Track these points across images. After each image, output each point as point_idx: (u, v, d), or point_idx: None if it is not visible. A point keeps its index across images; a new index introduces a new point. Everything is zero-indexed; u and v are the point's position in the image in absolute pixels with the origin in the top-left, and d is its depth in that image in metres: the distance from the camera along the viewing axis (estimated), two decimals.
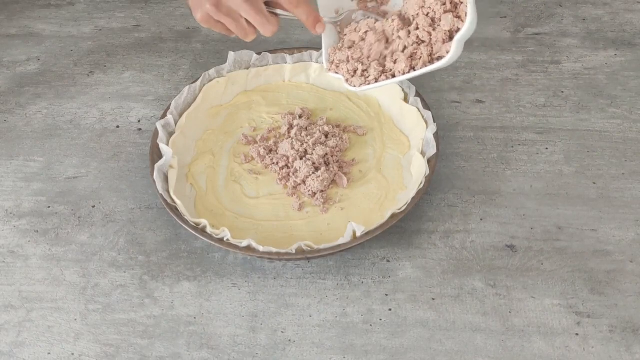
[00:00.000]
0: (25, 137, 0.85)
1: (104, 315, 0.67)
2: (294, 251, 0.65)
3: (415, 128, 0.78)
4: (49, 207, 0.77)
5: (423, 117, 0.77)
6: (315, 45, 0.86)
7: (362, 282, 0.68)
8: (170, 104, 0.79)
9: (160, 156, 0.74)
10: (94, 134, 0.85)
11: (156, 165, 0.72)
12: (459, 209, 0.74)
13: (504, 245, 0.70)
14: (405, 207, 0.68)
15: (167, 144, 0.75)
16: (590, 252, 0.69)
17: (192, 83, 0.82)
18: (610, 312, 0.65)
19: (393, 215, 0.68)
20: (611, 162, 0.78)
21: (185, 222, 0.68)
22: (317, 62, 0.86)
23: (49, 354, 0.64)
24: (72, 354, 0.64)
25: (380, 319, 0.65)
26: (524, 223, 0.72)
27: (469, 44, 0.93)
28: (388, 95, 0.82)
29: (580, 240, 0.70)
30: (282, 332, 0.65)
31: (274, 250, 0.65)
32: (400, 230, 0.72)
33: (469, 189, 0.76)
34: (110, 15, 1.04)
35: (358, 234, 0.66)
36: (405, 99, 0.80)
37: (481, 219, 0.73)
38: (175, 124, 0.79)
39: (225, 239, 0.67)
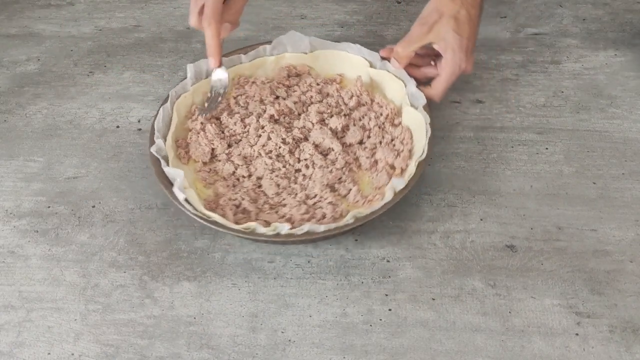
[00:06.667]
0: (25, 137, 0.85)
1: (104, 316, 0.67)
2: (351, 221, 0.66)
3: (393, 88, 0.79)
4: (49, 207, 0.77)
5: (396, 76, 0.77)
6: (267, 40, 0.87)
7: (362, 282, 0.68)
8: (153, 127, 0.76)
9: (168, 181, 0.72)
10: (94, 134, 0.85)
11: (175, 190, 0.69)
12: (459, 209, 0.74)
13: (503, 245, 0.70)
14: (424, 154, 0.70)
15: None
16: (590, 252, 0.69)
17: (163, 103, 0.79)
18: (610, 312, 0.65)
19: (417, 167, 0.70)
20: (611, 162, 0.78)
21: (230, 229, 0.67)
22: (271, 55, 0.86)
23: (49, 354, 0.64)
24: (72, 354, 0.64)
25: (380, 319, 0.65)
26: (524, 223, 0.72)
27: None
28: (350, 68, 0.83)
29: (580, 240, 0.70)
30: (282, 332, 0.65)
31: (324, 227, 0.65)
32: (400, 230, 0.72)
33: (469, 189, 0.76)
34: (110, 15, 1.04)
35: (397, 190, 0.67)
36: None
37: (481, 219, 0.73)
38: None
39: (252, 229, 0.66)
